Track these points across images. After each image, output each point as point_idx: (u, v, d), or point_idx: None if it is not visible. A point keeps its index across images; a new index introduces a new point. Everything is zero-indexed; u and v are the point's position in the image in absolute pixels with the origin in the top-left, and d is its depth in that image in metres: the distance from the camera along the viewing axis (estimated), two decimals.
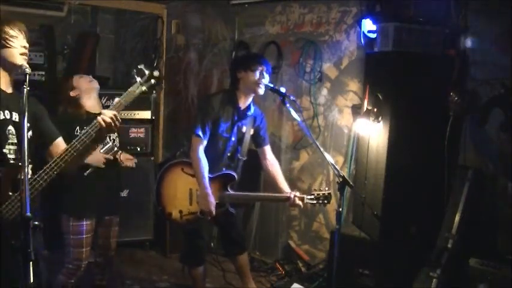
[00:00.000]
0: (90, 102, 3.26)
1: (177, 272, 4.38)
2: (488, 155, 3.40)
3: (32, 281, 1.74)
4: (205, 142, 3.32)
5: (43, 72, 4.63)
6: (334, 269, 2.86)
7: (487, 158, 3.40)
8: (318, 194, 3.29)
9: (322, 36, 4.32)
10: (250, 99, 3.43)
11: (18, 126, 2.19)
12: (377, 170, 3.39)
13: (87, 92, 3.26)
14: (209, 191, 3.26)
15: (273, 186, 3.51)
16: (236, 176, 3.40)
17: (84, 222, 3.13)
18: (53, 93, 4.53)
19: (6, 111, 2.20)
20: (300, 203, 3.31)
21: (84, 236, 3.14)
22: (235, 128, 3.41)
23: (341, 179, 2.74)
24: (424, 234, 3.26)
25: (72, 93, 3.23)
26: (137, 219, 4.78)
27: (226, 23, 4.98)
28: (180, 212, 3.38)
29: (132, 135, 4.75)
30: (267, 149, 3.57)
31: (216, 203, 3.34)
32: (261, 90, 3.33)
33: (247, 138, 3.48)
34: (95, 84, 3.33)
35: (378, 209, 3.27)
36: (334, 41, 4.25)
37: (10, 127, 2.20)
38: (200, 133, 3.29)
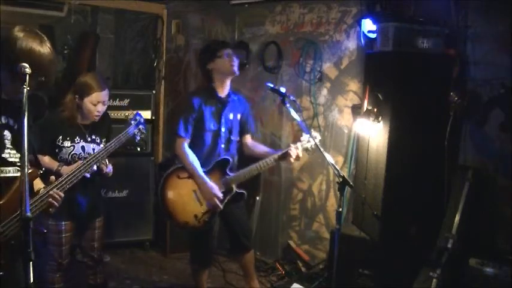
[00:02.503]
0: (86, 116, 3.14)
1: (177, 272, 4.39)
2: (488, 155, 3.40)
3: (32, 281, 1.74)
4: (188, 140, 3.38)
5: None
6: (334, 269, 2.86)
7: (487, 158, 3.40)
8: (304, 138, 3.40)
9: (322, 36, 4.31)
10: (227, 85, 3.46)
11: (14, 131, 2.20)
12: (377, 170, 3.39)
13: (93, 108, 3.10)
14: (207, 181, 3.31)
15: (264, 158, 3.46)
16: (231, 159, 3.43)
17: (63, 222, 3.12)
18: (53, 93, 4.55)
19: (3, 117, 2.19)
20: (298, 151, 3.36)
21: (63, 236, 3.13)
22: (223, 118, 3.43)
23: (341, 179, 2.74)
24: (424, 234, 3.26)
25: (88, 104, 3.06)
26: (137, 219, 4.78)
27: (226, 23, 4.97)
28: (195, 216, 3.37)
29: None
30: (250, 136, 3.64)
31: (223, 192, 3.38)
32: (236, 69, 3.40)
33: (237, 123, 3.51)
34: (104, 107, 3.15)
35: (378, 209, 3.26)
36: (334, 41, 4.24)
37: (6, 132, 2.19)
38: (182, 133, 3.37)
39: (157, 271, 4.42)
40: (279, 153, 3.41)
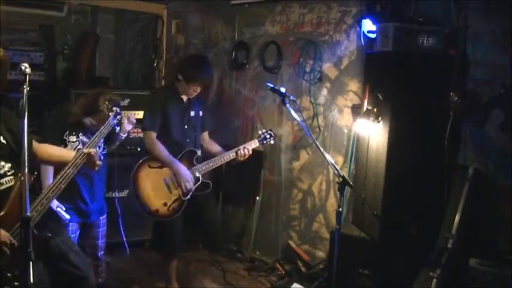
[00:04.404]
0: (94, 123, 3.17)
1: (176, 272, 4.36)
2: (488, 155, 3.40)
3: (32, 281, 1.73)
4: (155, 133, 3.60)
5: (43, 72, 4.62)
6: (334, 269, 2.86)
7: (487, 158, 3.40)
8: (261, 135, 3.75)
9: (322, 36, 4.31)
10: None
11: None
12: (377, 170, 3.39)
13: (91, 125, 3.17)
14: (180, 165, 3.54)
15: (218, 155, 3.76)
16: (197, 150, 3.68)
17: (70, 223, 3.12)
18: (53, 93, 4.55)
19: None
20: (245, 151, 3.63)
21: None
22: (186, 115, 3.70)
23: (341, 179, 2.74)
24: (424, 234, 3.26)
25: (88, 121, 3.15)
26: (137, 219, 4.77)
27: (226, 23, 4.98)
28: (165, 204, 3.57)
29: (132, 135, 4.74)
30: (207, 134, 3.92)
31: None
32: (193, 96, 3.71)
33: (198, 120, 3.77)
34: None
35: (378, 209, 3.27)
36: (334, 41, 4.24)
37: None
38: (150, 127, 3.60)
39: (157, 271, 4.42)
40: (233, 151, 3.67)
